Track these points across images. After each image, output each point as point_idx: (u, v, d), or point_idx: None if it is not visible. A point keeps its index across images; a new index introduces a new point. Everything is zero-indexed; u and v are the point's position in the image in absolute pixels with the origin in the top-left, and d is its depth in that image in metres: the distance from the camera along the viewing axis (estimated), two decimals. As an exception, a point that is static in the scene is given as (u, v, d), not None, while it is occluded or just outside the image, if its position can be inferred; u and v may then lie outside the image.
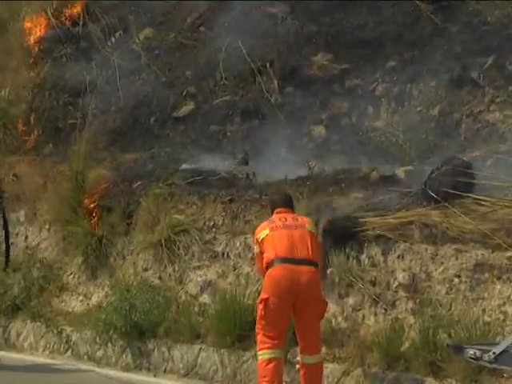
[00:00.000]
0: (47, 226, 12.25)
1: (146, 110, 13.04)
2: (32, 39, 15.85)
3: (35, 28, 15.98)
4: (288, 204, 8.06)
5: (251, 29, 13.07)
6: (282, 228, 7.65)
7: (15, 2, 16.50)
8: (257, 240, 7.80)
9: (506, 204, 8.02)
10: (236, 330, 8.97)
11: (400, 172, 9.40)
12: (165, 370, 9.49)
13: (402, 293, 8.14)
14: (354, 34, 11.78)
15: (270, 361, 7.35)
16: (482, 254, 7.78)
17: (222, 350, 9.00)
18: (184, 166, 11.31)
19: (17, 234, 12.57)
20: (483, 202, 8.14)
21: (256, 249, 7.89)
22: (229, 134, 11.91)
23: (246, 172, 10.78)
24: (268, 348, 7.39)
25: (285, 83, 12.04)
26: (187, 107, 12.67)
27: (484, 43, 10.36)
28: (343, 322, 8.44)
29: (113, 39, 14.84)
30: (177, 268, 10.24)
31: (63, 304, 11.27)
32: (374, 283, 8.37)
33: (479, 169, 8.60)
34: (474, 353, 5.59)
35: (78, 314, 10.90)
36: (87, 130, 12.54)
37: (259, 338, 7.49)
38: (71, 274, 11.49)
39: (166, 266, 10.36)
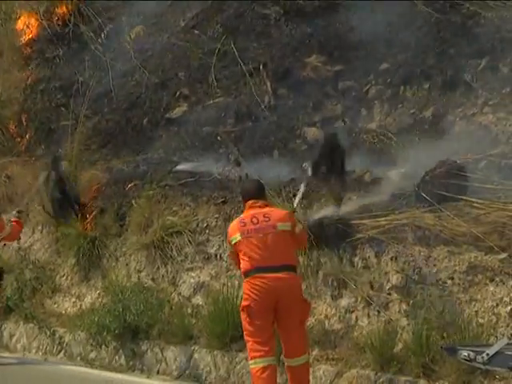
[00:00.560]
0: (40, 228, 12.24)
1: (138, 112, 13.03)
2: (24, 40, 15.85)
3: (27, 29, 15.96)
4: (260, 193, 7.85)
5: (244, 30, 13.09)
6: (253, 233, 7.48)
7: (6, 3, 16.48)
8: (229, 242, 7.72)
9: (499, 206, 8.04)
10: (229, 332, 8.97)
11: (393, 174, 9.41)
12: (158, 371, 9.49)
13: (395, 295, 8.15)
14: (348, 36, 11.80)
15: (264, 369, 7.27)
16: (475, 256, 7.80)
17: (215, 352, 9.00)
18: (177, 168, 11.31)
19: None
20: (476, 205, 8.16)
21: (229, 248, 7.90)
22: (222, 135, 11.90)
23: (239, 174, 10.77)
24: (260, 356, 7.32)
25: (278, 85, 12.04)
26: (180, 109, 12.66)
27: (477, 45, 10.39)
28: (336, 324, 8.45)
29: (105, 40, 14.83)
30: (170, 269, 10.24)
31: (56, 305, 11.26)
32: (367, 285, 8.37)
33: (472, 171, 8.62)
34: (468, 354, 5.60)
35: (70, 315, 10.90)
36: (79, 131, 12.55)
37: (249, 346, 7.41)
38: (64, 275, 11.48)
39: (158, 268, 10.36)
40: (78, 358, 10.32)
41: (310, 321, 8.50)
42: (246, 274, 7.47)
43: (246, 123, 11.89)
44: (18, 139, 13.99)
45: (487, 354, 5.52)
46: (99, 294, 10.85)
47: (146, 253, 10.53)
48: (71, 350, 10.49)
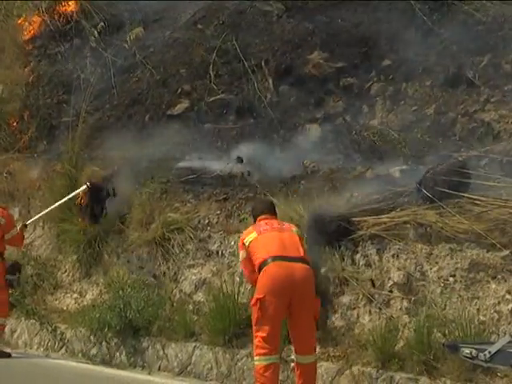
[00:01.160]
0: (41, 224, 12.24)
1: (140, 108, 13.03)
2: (26, 36, 15.83)
3: (29, 25, 15.95)
4: (271, 211, 7.99)
5: (246, 27, 13.08)
6: (270, 231, 7.61)
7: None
8: (243, 244, 7.68)
9: (501, 204, 8.03)
10: (230, 328, 8.96)
11: (395, 171, 9.40)
12: (159, 367, 9.48)
13: (396, 292, 8.14)
14: (350, 33, 11.80)
15: (267, 367, 7.28)
16: (477, 254, 7.79)
17: (217, 348, 8.99)
18: (179, 164, 11.31)
19: (11, 232, 12.53)
20: (478, 202, 8.14)
21: (242, 254, 7.73)
22: (223, 132, 11.90)
23: (241, 170, 10.77)
24: (265, 354, 7.32)
25: (279, 82, 12.04)
26: (182, 105, 12.65)
27: (479, 42, 10.39)
28: (338, 321, 8.44)
29: (107, 37, 14.82)
30: (171, 266, 10.24)
31: (57, 302, 11.27)
32: (368, 282, 8.36)
33: (474, 168, 8.62)
34: (470, 352, 5.59)
35: (72, 311, 10.91)
36: (81, 127, 12.52)
37: (256, 341, 7.39)
38: (65, 271, 11.49)
39: (160, 264, 10.36)
40: (80, 355, 10.32)
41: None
42: (263, 264, 7.40)
43: (248, 120, 11.88)
44: (20, 135, 13.98)
45: (489, 352, 5.52)
46: (100, 290, 10.86)
47: (147, 249, 10.53)
48: (72, 346, 10.49)
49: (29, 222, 11.55)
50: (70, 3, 15.62)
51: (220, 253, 9.86)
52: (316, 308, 7.55)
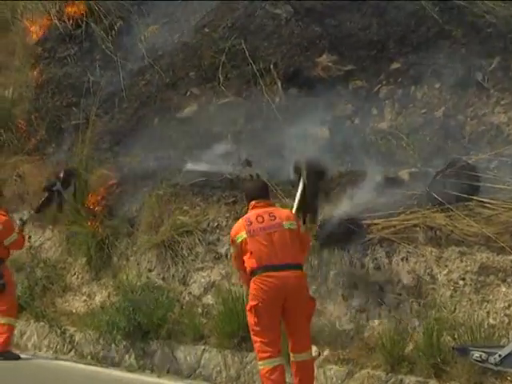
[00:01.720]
0: (50, 227, 12.26)
1: (149, 111, 13.04)
2: (35, 39, 15.86)
3: (38, 28, 15.98)
4: (264, 194, 7.94)
5: (255, 30, 13.08)
6: (259, 231, 7.53)
7: (18, 2, 16.50)
8: (233, 241, 7.70)
9: (511, 207, 8.02)
10: (239, 331, 8.97)
11: (404, 174, 9.39)
12: (168, 370, 9.51)
13: (406, 295, 8.13)
14: (359, 36, 11.77)
15: (273, 370, 7.31)
16: (487, 257, 7.78)
17: (226, 351, 9.00)
18: (188, 167, 11.31)
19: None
20: (487, 205, 8.14)
21: (233, 249, 7.83)
22: (232, 135, 11.90)
23: (250, 173, 10.76)
24: (269, 357, 7.35)
25: (288, 85, 12.03)
26: (191, 108, 12.66)
27: (489, 45, 10.34)
28: (347, 324, 8.44)
29: (116, 40, 14.84)
30: (180, 269, 10.26)
31: (66, 304, 11.29)
32: (378, 285, 8.36)
33: (484, 171, 8.59)
34: (480, 355, 5.62)
35: (81, 314, 10.93)
36: (90, 130, 12.55)
37: (257, 346, 7.44)
38: (75, 274, 11.51)
39: (169, 267, 10.37)
40: (89, 357, 10.35)
41: (321, 321, 8.51)
42: (253, 272, 7.46)
43: (257, 123, 11.88)
44: (29, 138, 14.02)
45: (499, 355, 5.54)
46: (109, 293, 10.88)
47: (156, 252, 10.55)
48: (81, 349, 10.52)
49: (26, 217, 11.62)
50: (79, 6, 15.65)
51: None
52: (309, 309, 7.60)
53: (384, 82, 11.12)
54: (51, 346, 10.87)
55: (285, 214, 7.78)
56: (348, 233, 8.71)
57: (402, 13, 11.39)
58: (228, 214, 10.11)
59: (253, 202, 7.84)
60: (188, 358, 9.35)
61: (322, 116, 11.35)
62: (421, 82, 10.69)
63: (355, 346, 8.18)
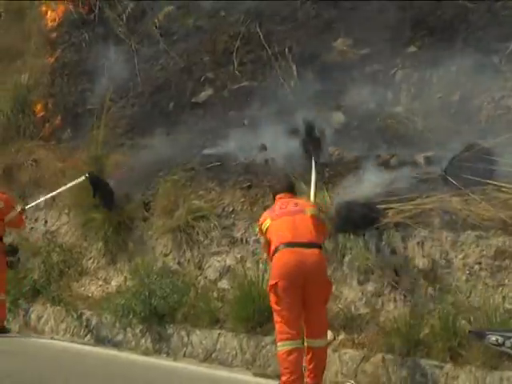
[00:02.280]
0: (66, 211, 12.30)
1: (164, 96, 13.05)
2: (50, 24, 15.89)
3: (53, 13, 16.00)
4: (289, 190, 8.14)
5: (270, 14, 13.04)
6: (282, 215, 7.72)
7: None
8: (261, 231, 7.89)
9: (528, 191, 7.98)
10: (255, 316, 8.99)
11: (420, 158, 9.35)
12: (184, 354, 9.53)
13: (421, 279, 8.12)
14: (374, 19, 11.70)
15: (290, 352, 7.34)
16: (503, 241, 7.75)
17: (241, 335, 9.02)
18: (203, 152, 11.32)
19: (36, 219, 12.65)
20: (504, 189, 8.09)
21: (262, 239, 8.06)
22: (247, 119, 11.88)
23: (265, 158, 10.76)
24: (287, 339, 7.38)
25: (303, 69, 11.99)
26: (206, 93, 12.66)
27: (506, 28, 10.27)
28: (363, 308, 8.44)
29: (130, 25, 14.83)
30: (196, 253, 10.27)
31: (83, 288, 11.34)
32: (393, 270, 8.35)
33: (500, 155, 8.53)
34: (496, 339, 5.62)
35: (97, 298, 10.97)
36: (105, 115, 12.55)
37: (278, 327, 7.47)
38: (91, 258, 11.55)
39: (184, 252, 10.39)
40: (105, 341, 10.39)
41: (337, 305, 8.51)
42: (275, 250, 7.55)
43: (272, 107, 11.86)
44: (45, 123, 14.06)
45: (516, 339, 5.51)
46: (125, 277, 10.91)
47: (172, 237, 10.56)
48: (98, 333, 10.57)
49: (27, 206, 11.74)
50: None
51: (244, 240, 9.88)
52: (328, 292, 7.66)
53: (400, 66, 11.07)
54: (68, 329, 10.92)
55: (308, 203, 8.06)
56: (363, 217, 8.68)
57: (417, -4, 11.32)
58: (243, 199, 10.11)
59: (279, 195, 8.08)
60: (204, 342, 9.38)
61: (338, 100, 11.32)
62: (437, 66, 10.63)
63: (371, 330, 8.18)
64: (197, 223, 10.30)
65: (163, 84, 13.23)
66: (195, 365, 9.19)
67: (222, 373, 8.75)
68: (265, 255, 8.18)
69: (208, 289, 9.87)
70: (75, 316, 10.83)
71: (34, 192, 12.79)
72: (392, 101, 10.86)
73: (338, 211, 8.78)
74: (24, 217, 11.66)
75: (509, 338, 5.53)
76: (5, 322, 11.07)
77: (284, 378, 7.34)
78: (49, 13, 15.88)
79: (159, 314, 9.86)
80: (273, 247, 7.58)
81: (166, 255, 10.62)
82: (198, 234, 10.26)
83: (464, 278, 7.86)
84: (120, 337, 10.26)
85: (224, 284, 9.81)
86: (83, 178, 11.21)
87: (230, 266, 9.85)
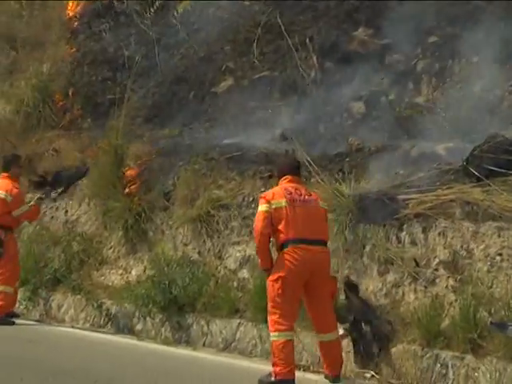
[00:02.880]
0: (87, 200, 12.34)
1: (184, 85, 13.06)
2: (71, 14, 15.93)
3: (74, 3, 16.03)
4: (297, 171, 7.96)
5: (291, 3, 13.02)
6: (299, 204, 7.59)
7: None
8: (268, 202, 7.56)
9: (549, 182, 7.93)
10: (275, 306, 8.96)
11: (441, 149, 9.31)
12: (203, 343, 9.55)
13: (442, 270, 8.09)
14: (395, 9, 11.66)
15: (286, 343, 7.38)
16: (525, 232, 7.71)
17: (261, 325, 9.01)
18: (223, 142, 11.33)
19: (57, 209, 12.69)
20: (526, 180, 8.06)
21: (264, 207, 7.57)
22: (267, 109, 11.88)
23: (285, 148, 10.74)
24: (285, 330, 7.43)
25: (324, 59, 11.98)
26: (226, 82, 12.67)
27: (528, 17, 10.23)
28: (383, 299, 8.41)
29: (151, 14, 14.84)
30: (216, 243, 10.27)
31: (103, 277, 11.37)
32: (414, 260, 8.32)
33: (522, 146, 8.49)
34: (518, 331, 5.57)
35: (117, 287, 10.99)
36: (126, 104, 12.56)
37: (275, 318, 7.49)
38: (111, 247, 11.57)
39: (204, 241, 10.39)
40: (125, 330, 10.43)
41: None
42: (286, 243, 7.51)
43: (292, 97, 11.85)
44: (65, 113, 14.09)
45: (538, 331, 5.48)
46: (145, 266, 10.92)
47: (192, 226, 10.57)
48: (118, 322, 10.59)
49: (38, 197, 11.74)
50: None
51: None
52: (333, 287, 7.79)
53: (421, 56, 11.04)
54: (88, 318, 10.95)
55: (316, 194, 7.95)
56: (384, 208, 8.66)
57: (439, -14, 11.27)
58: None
59: (288, 176, 7.87)
60: (223, 332, 9.40)
61: (358, 90, 11.29)
62: (458, 56, 10.59)
63: (391, 321, 8.15)
64: (217, 213, 10.30)
65: (183, 73, 13.25)
66: (215, 354, 9.20)
67: (242, 362, 8.75)
68: (259, 228, 7.61)
69: (228, 278, 9.88)
70: (95, 305, 10.86)
71: (55, 181, 12.82)
72: (413, 91, 10.82)
73: (358, 202, 8.74)
74: (39, 208, 11.59)
75: (531, 329, 5.51)
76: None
77: (278, 369, 7.37)
78: (70, 2, 15.91)
79: (179, 304, 9.87)
80: (282, 239, 7.53)
81: (186, 245, 10.62)
82: (218, 223, 10.26)
83: (485, 268, 7.81)
84: (140, 326, 10.29)
85: (244, 274, 9.81)
86: None
87: (249, 256, 9.83)
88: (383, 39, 11.55)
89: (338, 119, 11.13)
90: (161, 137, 12.26)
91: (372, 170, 9.42)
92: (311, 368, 8.22)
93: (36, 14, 16.34)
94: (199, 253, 10.41)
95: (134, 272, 11.08)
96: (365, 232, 8.68)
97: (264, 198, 7.67)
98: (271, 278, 7.59)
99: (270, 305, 7.59)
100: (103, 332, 10.54)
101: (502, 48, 10.25)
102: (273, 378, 7.40)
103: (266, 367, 7.87)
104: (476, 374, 7.24)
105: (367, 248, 8.66)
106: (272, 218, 7.55)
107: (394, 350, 7.84)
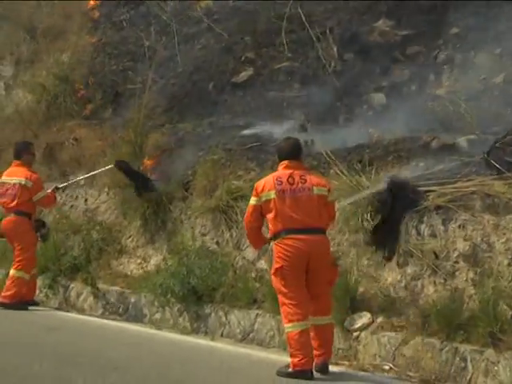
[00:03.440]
0: (106, 190, 12.38)
1: (204, 76, 13.05)
2: (92, 3, 15.95)
3: (95, -8, 16.08)
4: (296, 155, 7.80)
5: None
6: (289, 194, 7.49)
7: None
8: (258, 194, 7.60)
9: None
10: (293, 296, 8.95)
11: (462, 141, 9.26)
12: (222, 334, 9.55)
13: (462, 263, 8.04)
14: (416, 0, 11.60)
15: (301, 333, 7.37)
16: (546, 225, 7.65)
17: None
18: (243, 132, 11.31)
19: (76, 197, 12.74)
20: (547, 173, 7.99)
21: (253, 201, 7.66)
22: (287, 100, 11.85)
23: (304, 139, 10.71)
24: (298, 320, 7.41)
25: (344, 50, 11.95)
26: (246, 73, 12.65)
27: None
28: (402, 291, 8.38)
29: (171, 4, 14.84)
30: (234, 234, 10.27)
31: (122, 267, 11.41)
32: (433, 253, 8.28)
33: (544, 138, 8.42)
34: (539, 325, 5.52)
35: (136, 276, 11.02)
36: (146, 95, 12.57)
37: (285, 309, 7.50)
38: (130, 237, 11.61)
39: (223, 232, 10.40)
40: (143, 319, 10.45)
41: (375, 288, 8.48)
42: (277, 235, 7.53)
43: (312, 88, 11.81)
44: (86, 102, 14.12)
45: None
46: (164, 256, 10.95)
47: (210, 217, 10.57)
48: (136, 311, 10.62)
49: (61, 185, 11.81)
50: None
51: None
52: (332, 275, 7.71)
53: (442, 47, 10.99)
54: (107, 307, 11.00)
55: (316, 179, 7.76)
56: (404, 199, 8.60)
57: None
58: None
59: (285, 162, 7.74)
60: (241, 322, 9.40)
61: (379, 81, 11.24)
62: (480, 47, 10.52)
63: (410, 314, 8.12)
64: (236, 203, 10.29)
65: (203, 64, 13.23)
66: (232, 345, 9.20)
67: (260, 353, 8.75)
68: (247, 222, 7.80)
69: (246, 269, 9.88)
70: (114, 294, 10.90)
71: (75, 170, 12.88)
72: (434, 83, 10.76)
73: (378, 193, 8.70)
74: (56, 195, 11.67)
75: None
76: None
77: (296, 360, 7.36)
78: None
79: (197, 294, 9.88)
80: (274, 229, 7.53)
81: (204, 235, 10.63)
82: (236, 214, 10.25)
83: (506, 262, 7.75)
84: (158, 315, 10.32)
85: (262, 264, 9.80)
86: (110, 166, 11.30)
87: (268, 247, 9.82)
88: (404, 30, 11.49)
89: (358, 110, 11.07)
90: (180, 127, 12.26)
91: (392, 161, 9.38)
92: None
93: (57, 3, 16.37)
94: (218, 243, 10.42)
95: (152, 261, 11.11)
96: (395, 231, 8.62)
97: (255, 189, 7.70)
98: (272, 271, 7.65)
99: (279, 298, 7.61)
100: (121, 321, 10.57)
101: (525, 39, 10.18)
102: (290, 369, 7.40)
103: (283, 358, 7.86)
104: (496, 368, 7.18)
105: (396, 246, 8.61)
106: (262, 210, 7.61)
107: (412, 342, 7.81)
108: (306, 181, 7.60)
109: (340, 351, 8.29)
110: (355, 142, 10.16)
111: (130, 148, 11.85)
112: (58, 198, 12.12)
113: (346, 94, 11.28)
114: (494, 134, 8.81)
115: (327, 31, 12.20)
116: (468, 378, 7.35)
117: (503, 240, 7.83)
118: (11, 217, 11.02)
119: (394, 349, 7.94)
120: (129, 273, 11.26)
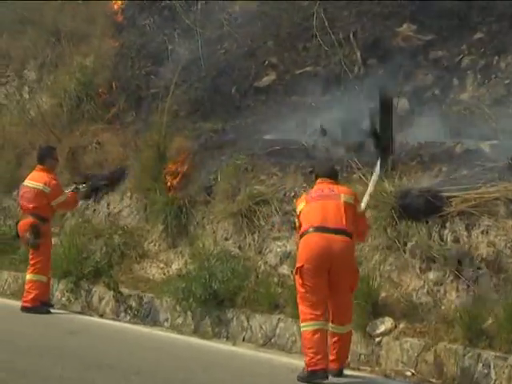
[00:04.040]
0: (129, 194, 12.41)
1: (227, 80, 13.06)
2: (115, 7, 16.01)
3: (118, -4, 16.13)
4: (330, 176, 8.04)
5: (334, -1, 12.96)
6: (316, 199, 7.72)
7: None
8: (297, 215, 7.90)
9: None
10: (315, 302, 8.93)
11: (485, 146, 9.22)
12: (243, 338, 9.54)
13: (485, 269, 8.00)
14: (440, 5, 11.57)
15: (315, 332, 7.39)
16: None
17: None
18: (265, 137, 11.31)
19: (99, 202, 12.78)
20: None
21: (297, 222, 7.99)
22: (310, 104, 11.84)
23: (326, 143, 10.71)
24: (311, 319, 7.45)
25: (367, 54, 11.92)
26: (269, 77, 12.65)
27: None
28: (424, 297, 8.35)
29: (195, 8, 14.86)
30: (256, 238, 10.27)
31: (143, 271, 11.42)
32: (456, 258, 8.24)
33: None
34: None
35: (157, 281, 11.03)
36: (169, 99, 12.60)
37: (302, 308, 7.55)
38: (152, 241, 11.63)
39: (245, 236, 10.40)
40: (165, 323, 10.46)
41: (398, 293, 8.45)
42: (303, 233, 7.63)
43: (335, 93, 11.80)
44: (109, 106, 14.17)
45: None
46: (186, 260, 10.95)
47: (232, 221, 10.57)
48: (158, 315, 10.63)
49: (81, 186, 11.87)
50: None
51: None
52: (354, 280, 7.70)
53: (466, 52, 10.93)
54: (128, 311, 11.01)
55: (345, 189, 7.95)
56: (427, 205, 8.58)
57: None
58: (305, 184, 10.06)
59: (318, 180, 8.04)
60: (263, 327, 9.38)
61: (402, 86, 11.21)
62: (504, 52, 10.48)
63: (432, 319, 8.09)
64: (258, 208, 10.29)
65: (226, 68, 13.25)
66: (254, 350, 9.19)
67: (281, 358, 8.73)
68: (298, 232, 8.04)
69: (268, 274, 9.87)
70: (136, 298, 10.92)
71: (97, 173, 12.91)
72: (457, 88, 10.72)
73: (401, 198, 8.68)
74: (77, 196, 11.73)
75: None
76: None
77: (308, 359, 7.39)
78: (114, -5, 16.01)
79: (219, 298, 9.88)
80: (302, 230, 7.66)
81: (226, 239, 10.64)
82: (259, 218, 10.26)
83: (530, 268, 7.72)
84: (180, 320, 10.31)
85: (284, 269, 9.79)
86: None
87: (290, 252, 9.81)
88: (427, 35, 11.44)
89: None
90: (203, 131, 12.27)
91: (415, 166, 9.35)
92: (350, 365, 8.16)
93: (80, 7, 16.45)
94: (240, 248, 10.42)
95: (174, 266, 11.12)
96: (407, 229, 8.62)
97: (296, 209, 8.03)
98: (294, 270, 7.73)
99: (297, 297, 7.66)
100: (143, 325, 10.59)
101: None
102: (305, 371, 7.42)
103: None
104: (519, 374, 7.15)
105: (409, 245, 8.60)
106: (300, 223, 7.82)
107: (434, 348, 7.77)
108: (334, 190, 7.80)
109: (362, 356, 8.27)
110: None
111: (152, 152, 11.88)
112: (80, 203, 12.19)
113: (368, 99, 11.23)
114: (518, 139, 8.78)
115: (350, 36, 12.18)
116: (491, 384, 7.31)
117: (527, 246, 7.79)
118: (28, 219, 11.11)
119: (416, 355, 7.91)
120: (151, 277, 11.27)
